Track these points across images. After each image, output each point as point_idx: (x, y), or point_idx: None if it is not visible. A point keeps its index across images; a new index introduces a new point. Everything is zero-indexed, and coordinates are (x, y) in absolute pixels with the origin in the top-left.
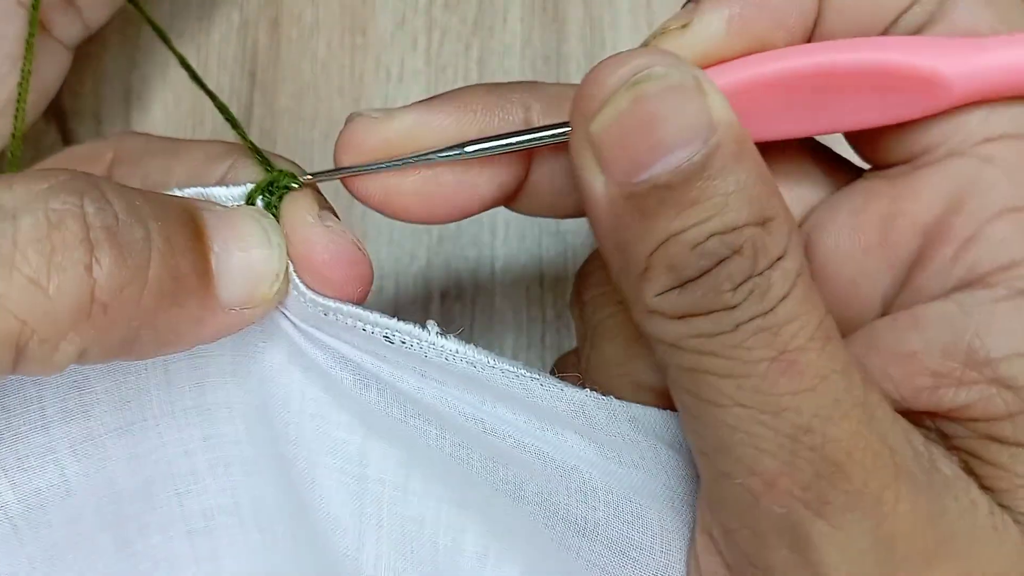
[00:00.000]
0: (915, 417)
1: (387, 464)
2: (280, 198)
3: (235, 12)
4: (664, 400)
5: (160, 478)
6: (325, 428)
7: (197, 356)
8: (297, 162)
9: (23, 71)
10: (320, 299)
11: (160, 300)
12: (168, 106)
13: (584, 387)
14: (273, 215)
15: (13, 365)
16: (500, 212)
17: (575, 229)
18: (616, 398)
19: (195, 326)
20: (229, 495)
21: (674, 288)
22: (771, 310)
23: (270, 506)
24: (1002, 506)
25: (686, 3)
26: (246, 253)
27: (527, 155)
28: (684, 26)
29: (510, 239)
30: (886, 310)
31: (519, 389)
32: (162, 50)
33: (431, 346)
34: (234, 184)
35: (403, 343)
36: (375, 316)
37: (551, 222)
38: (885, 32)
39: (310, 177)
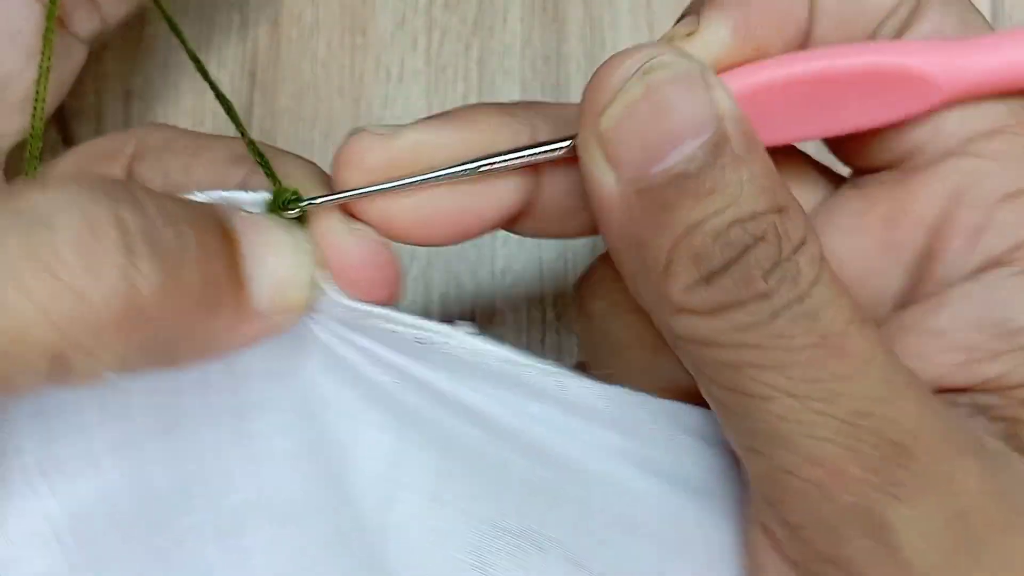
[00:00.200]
0: (948, 396)
1: (419, 471)
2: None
3: (235, 12)
4: (697, 399)
5: (196, 480)
6: (359, 429)
7: (233, 357)
8: None
9: (41, 67)
10: (352, 303)
11: (198, 307)
12: (168, 106)
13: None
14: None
15: (54, 376)
16: None
17: None
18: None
19: (230, 333)
20: (259, 493)
21: (701, 282)
22: (807, 294)
23: (303, 506)
24: None
25: (685, 13)
26: (277, 259)
27: (531, 178)
28: (690, 34)
29: (510, 240)
30: (896, 307)
31: (554, 386)
32: (162, 50)
33: (461, 347)
34: (253, 190)
35: (433, 343)
36: (406, 317)
37: None
38: (872, 38)
39: (316, 201)
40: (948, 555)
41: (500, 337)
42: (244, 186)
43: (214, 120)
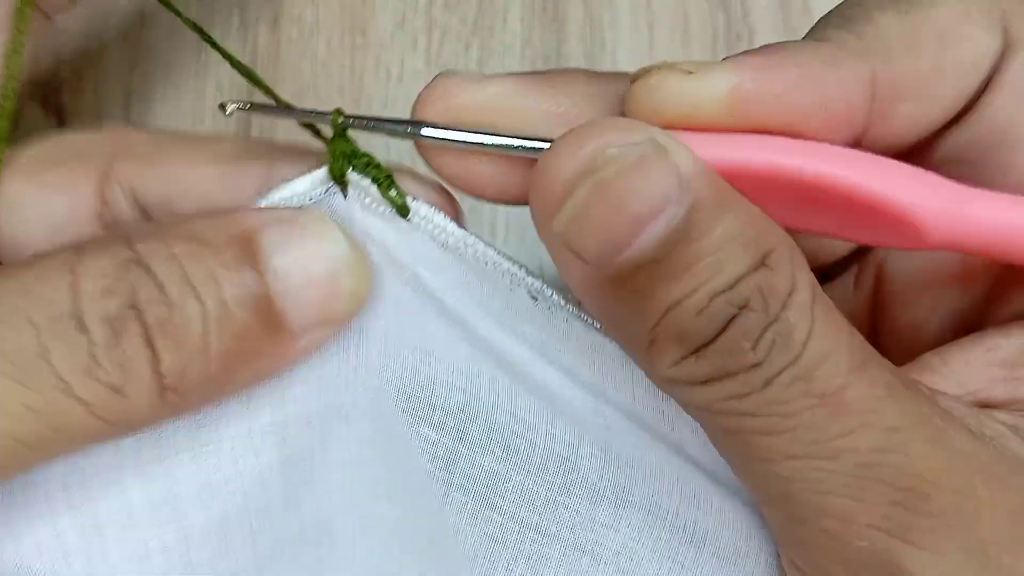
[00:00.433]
0: (988, 412)
1: (476, 472)
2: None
3: (235, 12)
4: None
5: (235, 513)
6: (416, 427)
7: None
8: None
9: (14, 44)
10: (448, 223)
11: (228, 362)
12: (168, 105)
13: None
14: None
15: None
16: (500, 212)
17: None
18: None
19: (272, 363)
20: (298, 520)
21: (688, 357)
22: (799, 356)
23: (352, 520)
24: None
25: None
26: (308, 274)
27: None
28: (688, 73)
29: (510, 239)
30: (956, 335)
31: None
32: (162, 50)
33: (564, 308)
34: (286, 181)
35: (547, 302)
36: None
37: None
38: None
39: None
40: None
41: None
42: (268, 184)
43: (215, 120)
